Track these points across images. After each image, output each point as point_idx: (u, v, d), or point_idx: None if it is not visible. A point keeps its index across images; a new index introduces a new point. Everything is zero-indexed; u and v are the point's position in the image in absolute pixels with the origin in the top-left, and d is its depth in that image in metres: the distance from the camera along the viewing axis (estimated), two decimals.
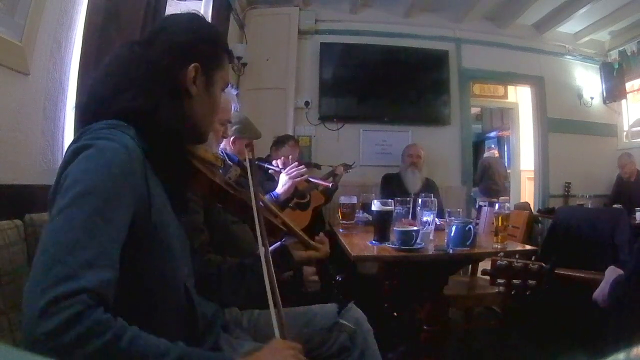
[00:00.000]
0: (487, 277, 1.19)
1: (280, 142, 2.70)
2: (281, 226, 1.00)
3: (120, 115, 0.71)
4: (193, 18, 0.87)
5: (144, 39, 0.84)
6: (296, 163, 2.12)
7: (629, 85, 4.27)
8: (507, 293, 1.15)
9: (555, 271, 1.14)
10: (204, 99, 0.83)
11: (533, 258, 1.60)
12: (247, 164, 0.96)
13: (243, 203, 0.91)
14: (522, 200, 4.65)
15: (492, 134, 7.67)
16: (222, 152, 1.88)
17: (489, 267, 1.20)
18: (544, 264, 1.14)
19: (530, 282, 1.13)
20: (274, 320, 0.70)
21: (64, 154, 0.69)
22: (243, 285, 0.99)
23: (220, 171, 0.95)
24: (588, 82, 4.42)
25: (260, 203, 0.92)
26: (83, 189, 0.60)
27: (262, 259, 0.80)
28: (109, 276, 0.57)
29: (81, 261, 0.55)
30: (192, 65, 0.79)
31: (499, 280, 1.16)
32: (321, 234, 1.13)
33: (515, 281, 1.14)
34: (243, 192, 0.92)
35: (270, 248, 1.05)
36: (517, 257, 1.30)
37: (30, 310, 0.52)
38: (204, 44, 0.83)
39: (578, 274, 1.10)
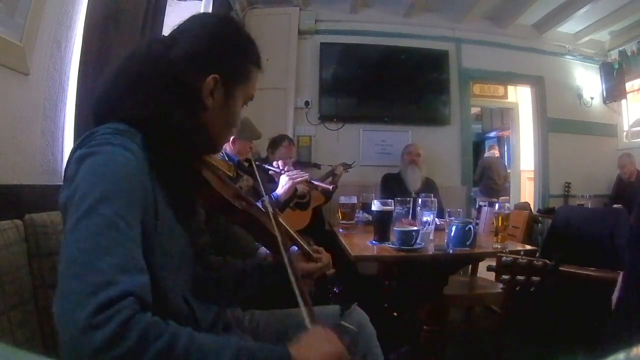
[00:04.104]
0: (487, 278, 1.19)
1: (275, 143, 2.71)
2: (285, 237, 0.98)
3: (128, 120, 0.68)
4: (223, 22, 0.82)
5: (166, 38, 0.78)
6: (301, 173, 2.10)
7: (629, 85, 4.26)
8: (511, 289, 1.16)
9: (559, 268, 1.15)
10: (220, 113, 0.77)
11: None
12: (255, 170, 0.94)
13: (249, 216, 0.87)
14: (522, 200, 4.65)
15: (492, 134, 7.67)
16: (222, 153, 1.89)
17: (491, 265, 1.21)
18: (548, 261, 1.15)
19: (534, 278, 1.14)
20: (303, 311, 0.69)
21: (67, 157, 0.67)
22: (241, 290, 0.97)
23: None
24: (588, 82, 4.41)
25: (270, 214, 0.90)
26: (98, 196, 0.57)
27: (285, 259, 0.79)
28: (144, 279, 0.55)
29: (114, 266, 0.52)
30: (211, 76, 0.73)
31: (504, 276, 1.17)
32: (318, 247, 1.08)
33: (519, 277, 1.15)
34: (251, 207, 0.89)
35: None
36: (522, 253, 1.31)
37: (70, 326, 0.48)
38: (229, 55, 0.76)
39: (582, 271, 1.11)
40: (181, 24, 0.80)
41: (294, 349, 0.59)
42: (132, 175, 0.62)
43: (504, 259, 1.16)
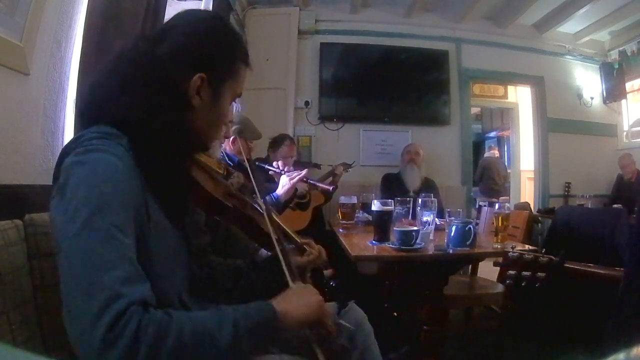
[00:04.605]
0: (487, 278, 1.20)
1: (276, 142, 2.70)
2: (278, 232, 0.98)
3: (114, 123, 0.67)
4: (210, 19, 0.80)
5: (153, 35, 0.77)
6: (299, 172, 2.10)
7: (629, 85, 4.27)
8: (516, 285, 1.18)
9: (565, 265, 1.16)
10: (208, 112, 0.76)
11: None
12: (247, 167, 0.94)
13: (241, 214, 0.87)
14: (522, 200, 4.65)
15: (492, 134, 7.68)
16: (222, 153, 1.89)
17: (489, 269, 1.22)
18: (553, 257, 1.16)
19: (540, 274, 1.15)
20: (285, 270, 0.78)
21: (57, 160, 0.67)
22: (237, 289, 0.97)
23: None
24: (588, 82, 4.42)
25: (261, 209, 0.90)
26: (91, 209, 0.57)
27: (273, 238, 0.84)
28: (148, 286, 0.58)
29: (119, 279, 0.54)
30: (198, 75, 0.73)
31: (510, 272, 1.18)
32: (307, 240, 1.08)
33: (525, 273, 1.16)
34: (243, 205, 0.88)
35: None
36: (528, 249, 1.32)
37: (87, 349, 0.50)
38: (216, 52, 0.76)
39: (586, 268, 1.12)
40: (168, 21, 0.79)
41: (277, 303, 0.67)
42: (121, 181, 0.62)
43: (510, 254, 1.17)
